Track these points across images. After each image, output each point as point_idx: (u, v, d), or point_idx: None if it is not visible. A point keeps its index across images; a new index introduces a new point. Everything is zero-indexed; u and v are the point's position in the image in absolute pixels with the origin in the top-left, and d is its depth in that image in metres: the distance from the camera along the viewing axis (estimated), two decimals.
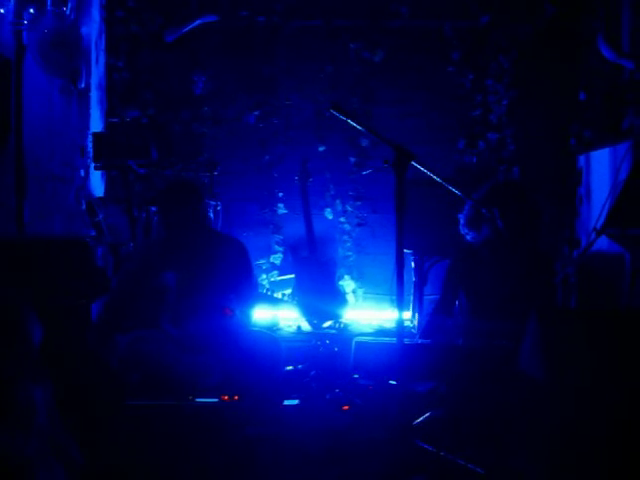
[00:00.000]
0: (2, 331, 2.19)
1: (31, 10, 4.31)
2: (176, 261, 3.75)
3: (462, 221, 3.81)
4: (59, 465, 2.11)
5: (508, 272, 3.66)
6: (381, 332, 5.10)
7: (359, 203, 5.97)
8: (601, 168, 5.06)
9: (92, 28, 5.45)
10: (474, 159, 5.88)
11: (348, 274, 5.94)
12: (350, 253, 5.97)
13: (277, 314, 5.32)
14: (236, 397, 3.34)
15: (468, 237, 3.81)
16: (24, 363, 2.18)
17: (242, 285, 3.86)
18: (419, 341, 3.75)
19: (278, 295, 5.32)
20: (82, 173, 5.27)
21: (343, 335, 4.97)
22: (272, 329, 5.04)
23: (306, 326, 5.18)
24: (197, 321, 3.66)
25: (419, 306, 4.88)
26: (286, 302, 5.26)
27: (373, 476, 2.89)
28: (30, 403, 2.06)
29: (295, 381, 3.80)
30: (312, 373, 3.88)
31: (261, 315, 5.21)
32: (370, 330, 5.21)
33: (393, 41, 5.92)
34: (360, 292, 5.94)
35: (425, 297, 4.88)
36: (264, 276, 5.89)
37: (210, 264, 3.77)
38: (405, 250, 3.31)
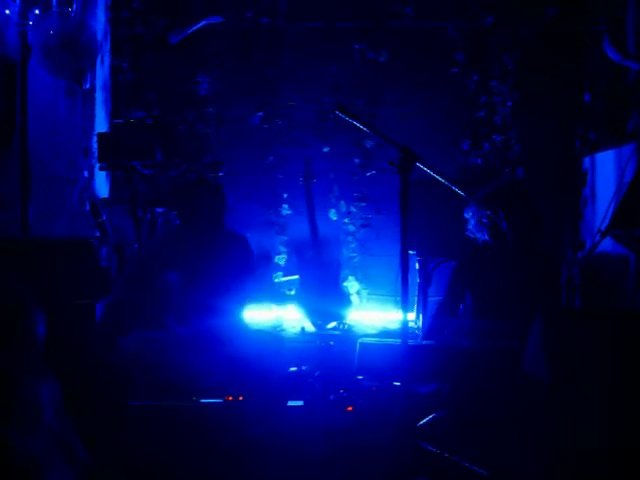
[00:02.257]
0: (7, 328, 2.20)
1: (36, 11, 4.32)
2: (180, 260, 3.76)
3: (469, 223, 3.80)
4: (66, 463, 2.12)
5: (513, 273, 3.66)
6: (385, 333, 5.08)
7: (363, 204, 5.96)
8: (606, 170, 5.05)
9: (97, 29, 5.46)
10: (479, 160, 5.88)
11: (352, 275, 5.94)
12: (354, 254, 5.97)
13: (282, 314, 5.31)
14: (240, 397, 3.34)
15: (474, 238, 3.80)
16: (30, 360, 2.19)
17: (245, 280, 3.88)
18: (423, 342, 3.75)
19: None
20: (86, 174, 5.27)
21: (347, 336, 4.96)
22: (276, 329, 5.04)
23: (310, 327, 5.18)
24: (202, 320, 3.67)
25: (423, 307, 4.87)
26: (292, 298, 5.24)
27: (377, 477, 2.89)
28: (37, 400, 2.07)
29: (299, 382, 3.80)
30: (316, 374, 3.88)
31: (265, 315, 5.22)
32: (374, 331, 5.20)
33: (397, 42, 5.92)
34: (364, 293, 5.94)
35: (429, 298, 4.87)
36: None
37: (214, 262, 3.78)
38: (409, 251, 3.31)
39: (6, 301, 2.27)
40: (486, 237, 3.71)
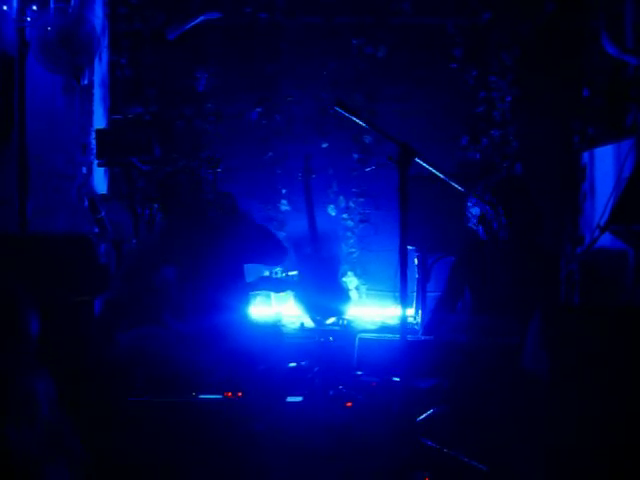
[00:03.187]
0: (1, 324, 2.19)
1: (34, 7, 4.32)
2: (176, 255, 3.75)
3: (469, 216, 3.79)
4: (64, 459, 2.11)
5: (512, 269, 3.65)
6: (384, 329, 5.08)
7: (362, 200, 5.96)
8: (605, 165, 5.05)
9: (95, 25, 5.44)
10: (477, 155, 5.88)
11: (351, 271, 5.94)
12: (353, 250, 5.96)
13: (281, 310, 5.31)
14: (239, 393, 3.34)
15: (475, 231, 3.79)
16: (24, 355, 2.18)
17: (260, 249, 3.88)
18: (422, 338, 3.75)
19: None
20: (84, 170, 5.26)
21: (346, 332, 4.96)
22: (275, 325, 5.03)
23: (309, 322, 5.17)
24: (200, 316, 3.67)
25: (422, 303, 4.87)
26: (292, 283, 5.21)
27: (376, 472, 2.90)
28: (33, 396, 2.06)
29: (298, 378, 3.80)
30: (315, 370, 3.88)
31: (264, 311, 5.22)
32: (373, 327, 5.20)
33: (396, 38, 5.91)
34: (363, 289, 5.94)
35: (428, 294, 4.87)
36: (267, 273, 5.88)
37: (209, 255, 3.77)
38: (408, 247, 3.30)
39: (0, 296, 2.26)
40: (485, 232, 3.71)
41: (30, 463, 1.99)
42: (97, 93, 5.54)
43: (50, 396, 2.14)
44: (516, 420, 2.80)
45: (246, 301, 4.02)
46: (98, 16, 5.54)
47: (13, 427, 1.97)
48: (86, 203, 5.05)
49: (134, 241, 4.89)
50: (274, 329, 4.02)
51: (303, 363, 4.03)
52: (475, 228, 3.77)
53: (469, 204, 3.76)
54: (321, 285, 5.20)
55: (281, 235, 5.95)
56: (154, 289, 3.70)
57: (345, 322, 5.22)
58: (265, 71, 5.95)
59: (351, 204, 5.98)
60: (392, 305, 5.67)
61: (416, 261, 4.92)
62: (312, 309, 5.17)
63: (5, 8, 4.14)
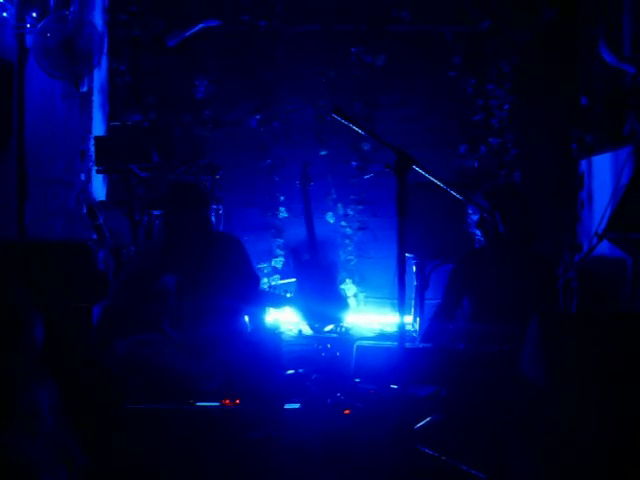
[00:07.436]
0: (6, 331, 2.18)
1: (34, 14, 4.33)
2: (176, 264, 3.75)
3: (471, 223, 3.80)
4: (65, 468, 2.10)
5: (510, 276, 3.65)
6: (382, 336, 5.08)
7: (361, 207, 5.97)
8: (603, 173, 5.06)
9: (95, 32, 5.45)
10: (475, 163, 5.89)
11: (349, 278, 5.94)
12: (351, 257, 5.97)
13: (279, 317, 5.31)
14: (237, 401, 3.33)
15: (475, 235, 3.79)
16: (28, 364, 2.17)
17: (244, 283, 3.87)
18: (420, 345, 3.75)
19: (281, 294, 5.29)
20: (83, 177, 5.27)
21: (344, 339, 4.95)
22: (273, 332, 5.02)
23: (307, 330, 5.17)
24: (199, 324, 3.66)
25: (420, 310, 4.87)
26: (290, 300, 5.22)
27: None
28: (35, 406, 2.06)
29: (296, 385, 3.79)
30: (313, 377, 3.88)
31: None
32: (371, 334, 5.20)
33: (394, 46, 5.94)
34: (361, 296, 5.94)
35: (426, 301, 4.87)
36: (266, 280, 5.88)
37: (209, 266, 3.77)
38: (406, 254, 3.30)
39: (4, 304, 2.25)
40: (483, 235, 3.71)
41: (31, 472, 1.99)
42: (96, 100, 5.55)
43: (54, 405, 2.13)
44: (514, 427, 2.79)
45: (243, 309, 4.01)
46: (98, 23, 5.55)
47: (15, 436, 1.97)
48: (84, 210, 5.05)
49: (133, 248, 4.89)
50: (272, 336, 4.01)
51: (301, 370, 4.02)
52: (474, 232, 3.78)
53: (470, 212, 3.78)
54: (319, 292, 5.19)
55: (279, 242, 5.96)
56: (153, 297, 3.69)
57: (343, 329, 5.21)
58: (264, 78, 5.97)
59: (349, 211, 5.98)
60: (390, 312, 5.67)
61: (414, 268, 4.92)
62: (310, 316, 5.16)
63: (5, 15, 4.15)
